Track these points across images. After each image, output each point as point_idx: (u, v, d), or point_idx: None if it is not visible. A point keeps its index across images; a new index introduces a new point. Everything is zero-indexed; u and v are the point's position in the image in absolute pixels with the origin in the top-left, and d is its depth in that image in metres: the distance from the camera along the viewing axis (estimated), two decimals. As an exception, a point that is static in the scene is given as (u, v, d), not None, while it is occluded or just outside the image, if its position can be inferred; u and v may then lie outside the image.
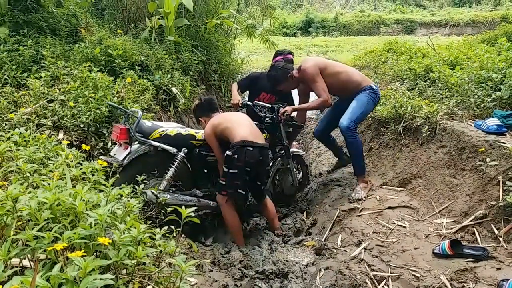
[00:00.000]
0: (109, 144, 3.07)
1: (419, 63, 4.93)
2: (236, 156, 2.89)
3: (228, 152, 2.91)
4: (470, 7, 26.42)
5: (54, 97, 3.15)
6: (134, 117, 2.89)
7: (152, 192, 2.63)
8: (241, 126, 3.02)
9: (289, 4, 32.32)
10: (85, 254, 1.06)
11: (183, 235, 3.04)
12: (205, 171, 3.32)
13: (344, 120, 3.38)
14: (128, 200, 1.51)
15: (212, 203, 3.17)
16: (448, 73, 4.14)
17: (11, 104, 3.04)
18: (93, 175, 1.91)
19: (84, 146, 2.23)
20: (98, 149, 3.13)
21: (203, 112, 3.35)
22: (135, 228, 1.29)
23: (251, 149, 2.90)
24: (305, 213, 3.85)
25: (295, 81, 3.63)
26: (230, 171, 2.93)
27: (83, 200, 1.35)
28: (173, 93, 4.63)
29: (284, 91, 3.77)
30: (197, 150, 3.17)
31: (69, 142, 2.91)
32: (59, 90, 3.28)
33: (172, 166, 2.95)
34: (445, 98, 3.71)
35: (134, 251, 1.20)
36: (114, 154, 2.83)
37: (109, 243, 1.18)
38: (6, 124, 2.76)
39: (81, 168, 1.92)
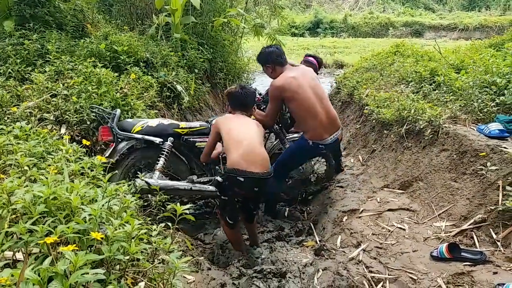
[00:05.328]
0: None
1: (425, 66, 4.89)
2: (226, 183, 2.73)
3: (218, 179, 2.75)
4: (479, 11, 26.16)
5: (57, 91, 3.16)
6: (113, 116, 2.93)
7: (142, 179, 2.64)
8: (239, 147, 2.66)
9: (298, 4, 32.21)
10: (76, 248, 1.07)
11: (181, 232, 3.07)
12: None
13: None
14: (125, 196, 1.52)
15: (210, 187, 3.03)
16: (453, 77, 4.11)
17: (14, 97, 3.05)
18: (91, 170, 1.93)
19: (84, 141, 2.25)
20: (100, 145, 3.16)
21: (232, 104, 3.04)
22: (129, 224, 1.29)
23: (242, 179, 2.59)
24: (305, 213, 3.84)
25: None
26: (222, 197, 2.83)
27: (79, 195, 1.36)
28: (178, 91, 4.65)
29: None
30: (184, 137, 3.14)
31: (70, 137, 2.94)
32: (63, 84, 3.29)
33: (162, 156, 2.97)
34: (449, 101, 3.69)
35: (127, 246, 1.21)
36: (104, 154, 2.88)
37: (102, 238, 1.19)
38: (8, 118, 2.77)
39: (80, 163, 1.93)
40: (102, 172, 1.86)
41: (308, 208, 3.90)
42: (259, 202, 2.97)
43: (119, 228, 1.28)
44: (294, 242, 3.31)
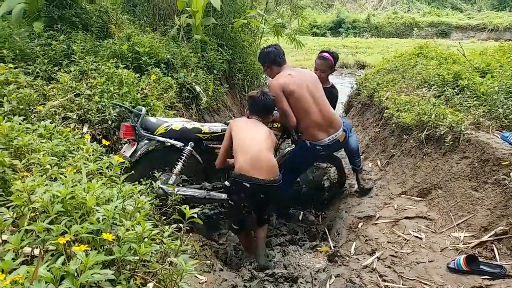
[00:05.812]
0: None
1: (448, 69, 4.76)
2: (233, 188, 2.75)
3: (226, 183, 2.80)
4: (510, 11, 25.23)
5: (81, 91, 3.24)
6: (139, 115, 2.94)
7: (159, 186, 2.68)
8: (246, 152, 2.68)
9: (320, 4, 31.96)
10: (88, 248, 1.11)
11: (194, 232, 3.10)
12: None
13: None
14: (139, 197, 1.55)
15: (223, 195, 3.10)
16: (478, 81, 3.99)
17: (40, 96, 3.14)
18: (110, 170, 1.98)
19: (104, 141, 2.30)
20: (121, 144, 3.23)
21: (250, 108, 3.06)
22: (141, 225, 1.32)
23: (248, 185, 2.61)
24: (320, 217, 3.81)
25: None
26: (229, 201, 2.86)
27: (94, 195, 1.40)
28: (196, 91, 4.70)
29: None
30: (205, 143, 3.15)
31: (91, 136, 3.02)
32: (86, 84, 3.37)
33: (180, 160, 2.99)
34: (473, 107, 3.58)
35: (137, 248, 1.24)
36: (124, 152, 2.92)
37: (113, 239, 1.22)
38: (34, 116, 2.86)
39: (98, 163, 1.99)
40: (119, 172, 1.91)
41: (323, 213, 3.87)
42: (267, 207, 2.93)
43: (131, 229, 1.31)
44: (308, 246, 3.30)
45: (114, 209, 1.31)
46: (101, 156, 2.21)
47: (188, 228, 3.03)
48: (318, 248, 3.25)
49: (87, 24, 4.72)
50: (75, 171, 1.83)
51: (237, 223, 2.88)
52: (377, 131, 4.88)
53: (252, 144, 2.73)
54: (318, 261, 3.09)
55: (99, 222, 1.29)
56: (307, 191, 3.89)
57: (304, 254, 3.19)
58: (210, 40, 5.98)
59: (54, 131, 2.39)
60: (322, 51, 3.87)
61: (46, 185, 1.51)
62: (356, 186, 3.83)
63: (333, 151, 3.51)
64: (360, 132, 5.76)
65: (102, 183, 1.70)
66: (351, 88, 8.11)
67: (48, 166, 1.85)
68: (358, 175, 3.71)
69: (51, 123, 2.37)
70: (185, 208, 1.50)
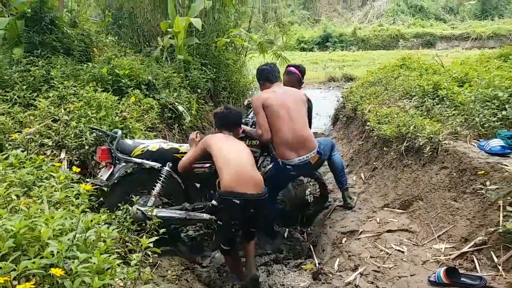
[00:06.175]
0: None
1: (428, 80, 4.82)
2: (221, 206, 2.71)
3: (213, 203, 2.75)
4: (492, 19, 25.83)
5: (59, 116, 3.22)
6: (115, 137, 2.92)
7: (137, 208, 2.63)
8: (231, 168, 2.65)
9: (307, 20, 32.51)
10: (33, 286, 1.07)
11: (177, 256, 3.05)
12: (197, 185, 3.28)
13: None
14: (100, 227, 1.52)
15: (205, 215, 3.03)
16: (456, 90, 4.03)
17: (17, 124, 3.10)
18: (77, 198, 1.94)
19: (74, 169, 2.28)
20: (99, 168, 3.18)
21: (217, 124, 3.07)
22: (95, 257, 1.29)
23: (238, 202, 2.58)
24: (305, 234, 3.77)
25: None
26: (217, 221, 2.81)
27: (51, 228, 1.37)
28: (179, 111, 4.70)
29: None
30: None
31: (69, 162, 2.98)
32: (65, 109, 3.35)
33: (159, 181, 2.94)
34: (451, 116, 3.60)
35: (91, 281, 1.20)
36: (100, 176, 2.87)
37: (66, 273, 1.18)
38: (9, 145, 2.82)
39: (66, 191, 1.96)
40: (87, 201, 1.87)
41: (309, 229, 3.83)
42: (256, 222, 2.90)
43: (87, 262, 1.28)
44: (293, 265, 3.24)
45: (72, 241, 1.27)
46: (72, 184, 2.18)
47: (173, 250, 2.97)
48: (302, 266, 3.20)
49: (69, 48, 4.72)
50: (40, 201, 1.79)
51: (227, 243, 2.80)
52: (360, 144, 4.90)
53: (236, 160, 2.72)
54: (303, 279, 3.03)
55: (52, 256, 1.25)
56: (291, 208, 3.86)
57: (289, 273, 3.13)
58: (193, 59, 6.02)
59: (25, 159, 2.36)
60: (289, 66, 3.94)
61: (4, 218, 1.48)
62: (340, 199, 3.80)
63: (304, 172, 3.49)
64: (345, 145, 5.78)
65: (67, 212, 1.67)
66: (337, 101, 8.19)
67: (14, 197, 1.82)
68: (344, 193, 3.67)
69: (25, 151, 2.34)
70: (142, 238, 1.45)
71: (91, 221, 1.55)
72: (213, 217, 2.96)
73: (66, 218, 1.53)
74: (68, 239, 1.30)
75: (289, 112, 3.13)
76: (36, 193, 1.95)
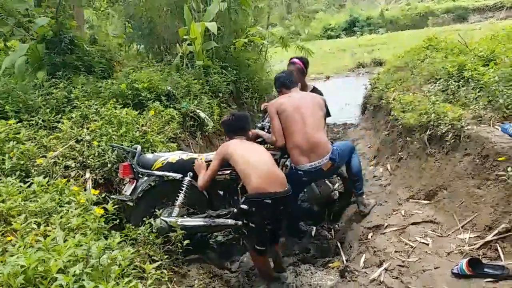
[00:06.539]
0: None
1: (453, 61, 4.62)
2: (253, 209, 2.68)
3: (243, 206, 2.72)
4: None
5: (82, 137, 3.30)
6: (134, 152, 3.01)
7: (162, 219, 2.74)
8: (257, 170, 2.70)
9: (333, 6, 31.78)
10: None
11: (205, 263, 3.13)
12: (220, 192, 3.33)
13: None
14: (111, 252, 1.62)
15: (229, 221, 3.05)
16: (481, 71, 3.85)
17: (41, 148, 3.10)
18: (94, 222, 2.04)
19: (93, 191, 2.40)
20: (124, 184, 3.21)
21: (226, 131, 3.19)
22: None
23: (269, 201, 2.62)
24: (333, 231, 3.77)
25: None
26: (250, 224, 2.79)
27: (61, 259, 1.44)
28: (201, 118, 4.79)
29: None
30: None
31: (93, 181, 3.05)
32: (87, 129, 3.43)
33: (181, 192, 3.01)
34: (475, 99, 3.46)
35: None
36: (125, 191, 3.01)
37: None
38: (35, 170, 2.80)
39: (83, 216, 2.05)
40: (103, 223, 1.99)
41: (336, 225, 3.82)
42: (283, 220, 2.95)
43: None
44: (320, 263, 3.25)
45: (83, 270, 1.36)
46: (92, 206, 2.27)
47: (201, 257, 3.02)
48: (330, 264, 3.20)
49: (90, 66, 4.81)
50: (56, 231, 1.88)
51: (262, 243, 2.82)
52: (386, 134, 4.80)
53: (260, 162, 2.78)
54: (330, 278, 3.03)
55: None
56: (318, 206, 3.88)
57: (316, 272, 3.11)
58: (213, 63, 6.10)
59: (47, 185, 2.42)
60: (292, 58, 4.02)
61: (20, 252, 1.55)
62: (368, 194, 3.76)
63: (316, 179, 3.47)
64: (372, 136, 5.68)
65: (81, 240, 1.71)
66: (365, 89, 8.00)
67: (34, 226, 1.90)
68: (358, 198, 3.53)
69: (50, 175, 2.47)
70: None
71: (104, 245, 1.65)
72: (238, 222, 2.99)
73: (81, 245, 1.62)
74: (77, 270, 1.38)
75: (303, 117, 3.14)
76: (54, 221, 2.01)
